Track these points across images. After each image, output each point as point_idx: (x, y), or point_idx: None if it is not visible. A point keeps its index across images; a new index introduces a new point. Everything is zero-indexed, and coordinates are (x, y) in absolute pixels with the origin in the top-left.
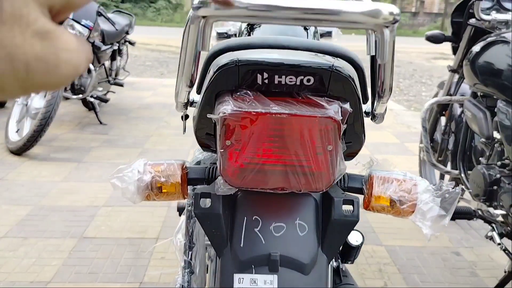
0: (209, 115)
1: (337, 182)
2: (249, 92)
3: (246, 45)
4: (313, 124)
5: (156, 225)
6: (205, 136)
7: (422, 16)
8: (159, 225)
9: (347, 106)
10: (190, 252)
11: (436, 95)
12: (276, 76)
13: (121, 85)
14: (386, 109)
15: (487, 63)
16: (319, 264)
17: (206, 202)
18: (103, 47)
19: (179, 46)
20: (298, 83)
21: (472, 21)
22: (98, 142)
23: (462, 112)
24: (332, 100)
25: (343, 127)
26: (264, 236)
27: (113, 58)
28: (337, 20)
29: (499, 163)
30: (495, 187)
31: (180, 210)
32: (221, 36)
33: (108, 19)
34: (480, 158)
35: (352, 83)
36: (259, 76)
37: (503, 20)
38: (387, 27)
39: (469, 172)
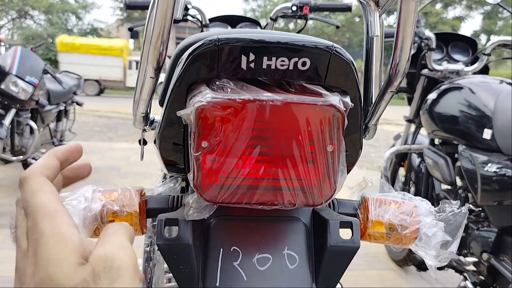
0: (179, 113)
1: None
2: (229, 81)
3: (226, 33)
4: (313, 114)
5: None
6: (172, 148)
7: None
8: None
9: (347, 99)
10: None
11: (393, 147)
12: (265, 58)
13: None
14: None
15: (444, 109)
16: None
17: (172, 231)
18: (48, 107)
19: (129, 113)
20: (291, 67)
21: (425, 71)
22: None
23: (421, 162)
24: (330, 91)
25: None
26: (246, 271)
27: (58, 118)
28: None
29: None
30: (463, 235)
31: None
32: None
33: (55, 77)
34: None
35: (354, 70)
36: (243, 59)
37: (454, 70)
38: None
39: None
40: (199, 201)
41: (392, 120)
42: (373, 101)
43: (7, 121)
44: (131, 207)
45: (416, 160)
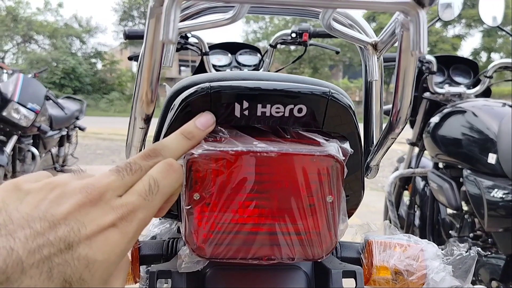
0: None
1: None
2: (223, 130)
3: (218, 79)
4: (310, 165)
5: None
6: None
7: None
8: None
9: (346, 145)
10: None
11: (396, 170)
12: (260, 106)
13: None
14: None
15: (448, 133)
16: None
17: (165, 284)
18: (50, 133)
19: None
20: (287, 114)
21: (427, 94)
22: None
23: (425, 185)
24: (327, 138)
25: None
26: None
27: (61, 144)
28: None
29: (471, 235)
30: None
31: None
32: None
33: (57, 103)
34: (450, 231)
35: (353, 115)
36: (237, 107)
37: (456, 92)
38: (423, 6)
39: (440, 247)
40: (191, 256)
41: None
42: (374, 141)
43: (8, 148)
44: None
45: (420, 183)
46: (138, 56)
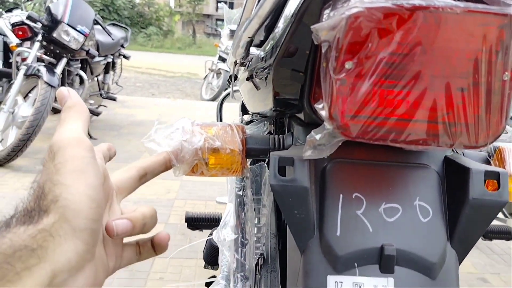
0: (315, 27)
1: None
2: None
3: None
4: (493, 30)
5: None
6: (289, 76)
7: None
8: None
9: None
10: (243, 250)
11: None
12: None
13: (113, 99)
14: None
15: None
16: (449, 264)
17: (287, 172)
18: (97, 58)
19: (169, 70)
20: None
21: None
22: None
23: None
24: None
25: None
26: (371, 222)
27: (106, 71)
28: None
29: None
30: None
31: (189, 221)
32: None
33: (104, 28)
34: None
35: None
36: None
37: None
38: None
39: None
40: (330, 137)
41: None
42: None
43: (58, 70)
44: (233, 144)
45: None
46: None
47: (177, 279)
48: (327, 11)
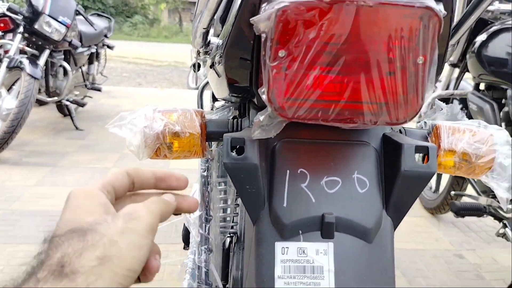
0: (254, 19)
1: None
2: None
3: None
4: (406, 19)
5: None
6: (238, 64)
7: None
8: None
9: (441, 7)
10: (207, 226)
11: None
12: None
13: (98, 89)
14: None
15: (495, 52)
16: (384, 229)
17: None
18: (80, 49)
19: (156, 59)
20: None
21: None
22: (74, 147)
23: (462, 108)
24: None
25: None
26: (314, 193)
27: (90, 61)
28: None
29: None
30: None
31: (186, 238)
32: None
33: (86, 18)
34: None
35: None
36: None
37: (506, 10)
38: None
39: None
40: (271, 118)
41: None
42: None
43: (41, 61)
44: (192, 128)
45: (457, 107)
46: None
47: (164, 263)
48: (264, 4)
